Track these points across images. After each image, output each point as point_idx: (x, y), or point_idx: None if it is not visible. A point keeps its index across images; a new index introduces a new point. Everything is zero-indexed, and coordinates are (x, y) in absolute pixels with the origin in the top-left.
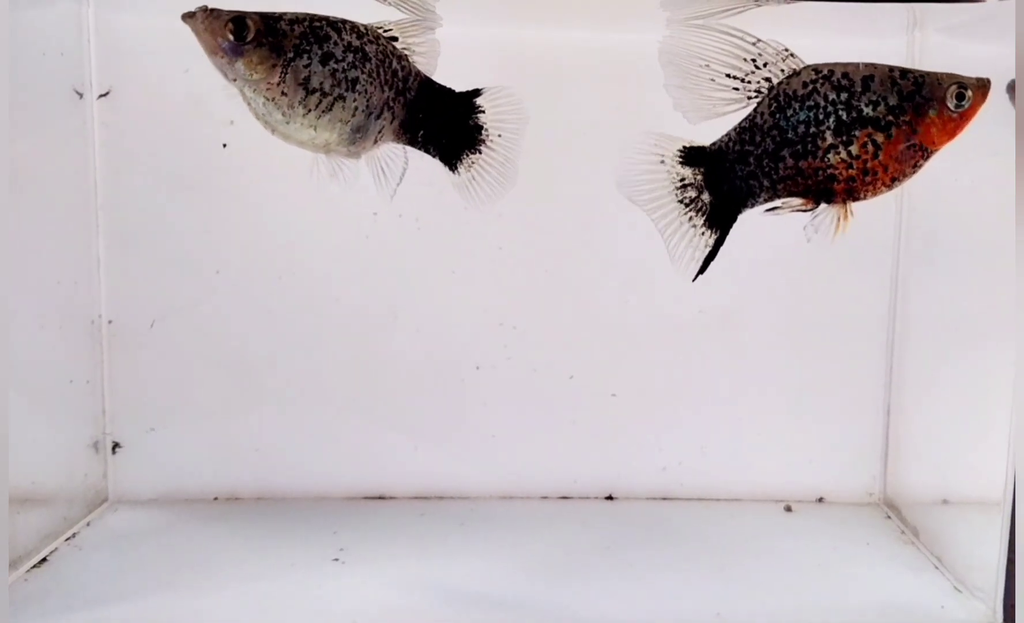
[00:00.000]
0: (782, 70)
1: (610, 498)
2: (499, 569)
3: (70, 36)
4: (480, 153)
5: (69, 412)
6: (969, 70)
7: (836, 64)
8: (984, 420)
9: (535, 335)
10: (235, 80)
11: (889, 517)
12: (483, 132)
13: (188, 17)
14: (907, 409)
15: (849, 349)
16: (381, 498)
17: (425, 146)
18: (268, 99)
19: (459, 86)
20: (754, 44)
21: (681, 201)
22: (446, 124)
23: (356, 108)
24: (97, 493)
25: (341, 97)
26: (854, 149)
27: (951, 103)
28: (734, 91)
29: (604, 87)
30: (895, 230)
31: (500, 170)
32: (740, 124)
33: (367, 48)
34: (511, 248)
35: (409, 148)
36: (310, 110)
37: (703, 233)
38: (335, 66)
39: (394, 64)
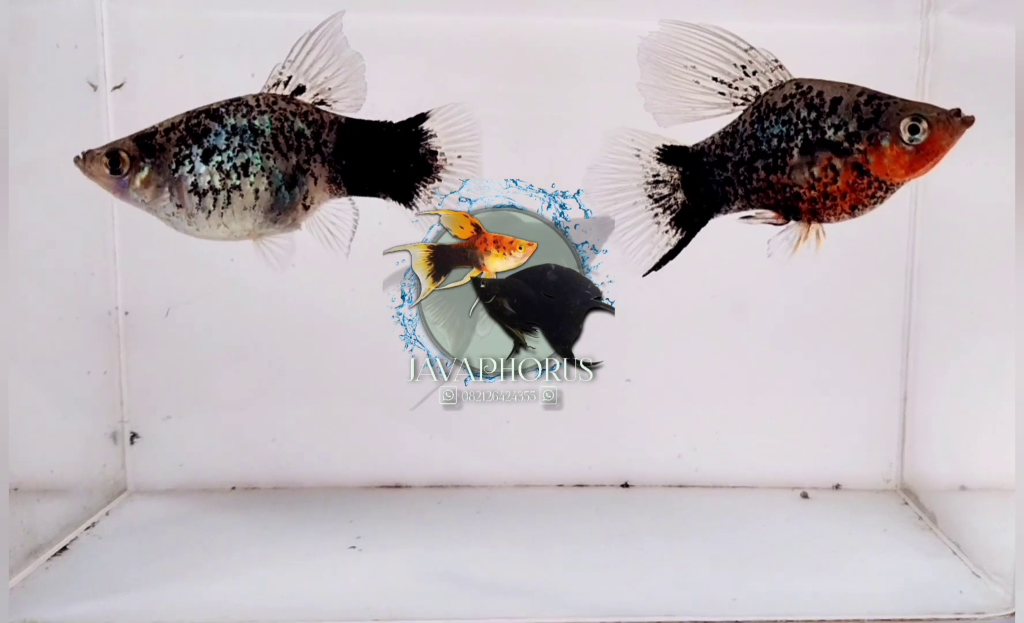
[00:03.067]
0: (770, 80)
1: (625, 486)
2: (514, 557)
3: (84, 28)
4: (440, 181)
5: (87, 403)
6: (980, 54)
7: (818, 81)
8: (1001, 406)
9: None
10: (137, 206)
11: (906, 503)
12: (439, 157)
13: (75, 163)
14: (924, 395)
15: (865, 335)
16: (397, 487)
17: (371, 191)
18: (169, 214)
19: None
20: (746, 51)
21: (651, 196)
22: (389, 162)
23: (257, 190)
24: (116, 483)
25: (235, 187)
26: (816, 171)
27: (904, 135)
28: (719, 96)
29: (612, 74)
30: (910, 217)
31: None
32: (724, 129)
33: (257, 122)
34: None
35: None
36: (210, 211)
37: (666, 231)
38: (220, 159)
39: (297, 125)
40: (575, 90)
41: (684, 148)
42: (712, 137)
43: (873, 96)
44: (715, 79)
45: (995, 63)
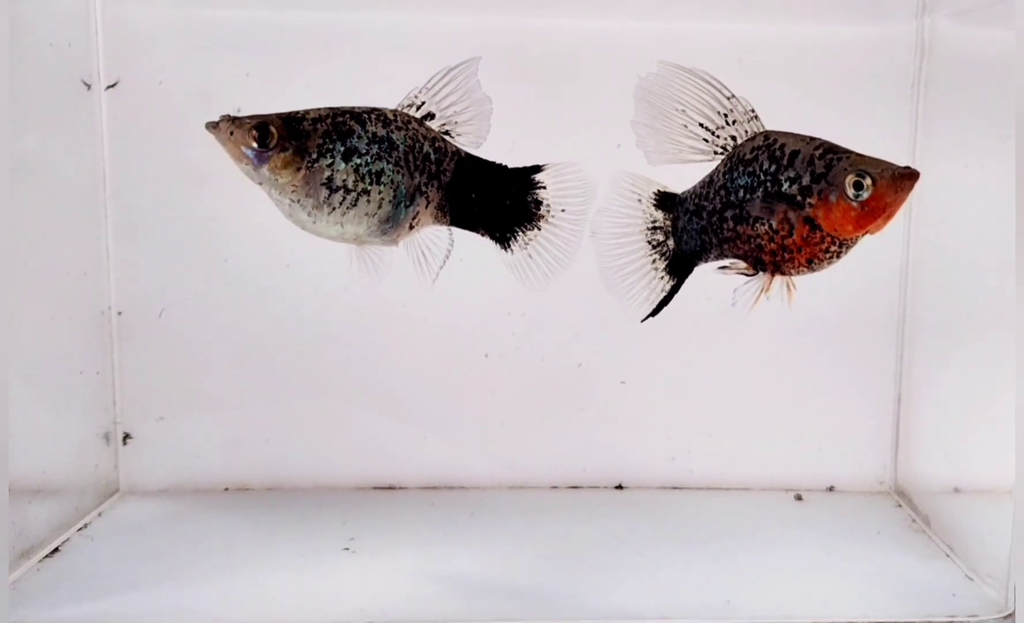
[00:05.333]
0: (746, 131)
1: (619, 487)
2: (508, 559)
3: (78, 27)
4: (539, 229)
5: (79, 403)
6: (976, 57)
7: (784, 134)
8: (995, 408)
9: (544, 323)
10: (261, 183)
11: (900, 506)
12: (543, 207)
13: (212, 126)
14: (918, 397)
15: (859, 336)
16: (391, 488)
17: (472, 225)
18: (293, 200)
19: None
20: (728, 99)
21: (649, 242)
22: (495, 202)
23: (382, 200)
24: (108, 484)
25: (365, 191)
26: (774, 223)
27: (850, 191)
28: (703, 142)
29: (610, 75)
30: (905, 218)
31: (563, 247)
32: (703, 178)
33: (394, 136)
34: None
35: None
36: (334, 208)
37: (662, 277)
38: (358, 161)
39: (426, 148)
40: (574, 90)
41: (673, 195)
42: (694, 186)
43: (828, 150)
44: (701, 125)
45: (990, 66)
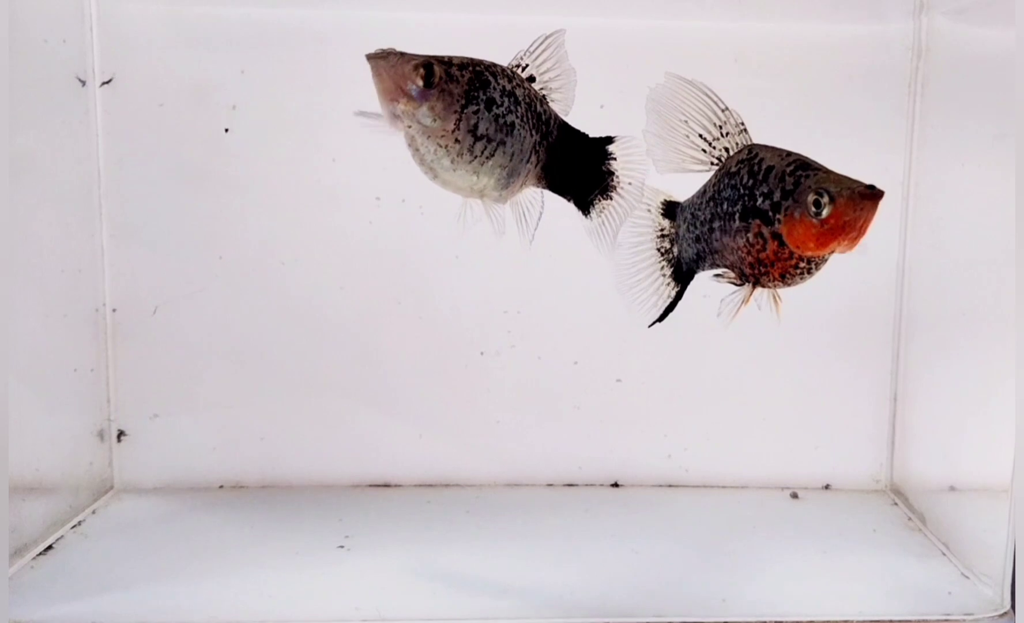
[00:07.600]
0: (736, 143)
1: (615, 485)
2: (504, 556)
3: (72, 23)
4: (611, 199)
5: (74, 401)
6: (973, 56)
7: (764, 147)
8: (991, 406)
9: (539, 321)
10: (410, 126)
11: (896, 504)
12: (615, 178)
13: (374, 58)
14: (914, 395)
15: (856, 334)
16: (386, 486)
17: (563, 191)
18: (440, 146)
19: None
20: (723, 111)
21: (658, 249)
22: (581, 168)
23: (512, 153)
24: (102, 481)
25: (502, 143)
26: (750, 237)
27: (811, 210)
28: (702, 152)
29: (607, 73)
30: (901, 217)
31: (622, 217)
32: (699, 188)
33: (517, 92)
34: (515, 234)
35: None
36: (476, 156)
37: (668, 284)
38: (497, 112)
39: (538, 107)
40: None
41: (677, 203)
42: (692, 195)
43: (799, 167)
44: (700, 136)
45: (987, 65)
